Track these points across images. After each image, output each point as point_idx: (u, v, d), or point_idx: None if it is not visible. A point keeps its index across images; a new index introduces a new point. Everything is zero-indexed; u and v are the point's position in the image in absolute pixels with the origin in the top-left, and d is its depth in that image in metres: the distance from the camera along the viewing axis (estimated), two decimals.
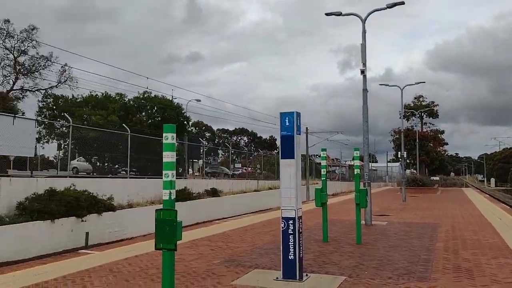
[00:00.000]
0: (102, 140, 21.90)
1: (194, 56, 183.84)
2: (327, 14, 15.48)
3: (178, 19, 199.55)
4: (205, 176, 31.55)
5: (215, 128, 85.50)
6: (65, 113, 21.28)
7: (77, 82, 28.74)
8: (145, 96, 33.03)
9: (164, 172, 4.58)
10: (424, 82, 69.56)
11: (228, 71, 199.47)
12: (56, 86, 28.38)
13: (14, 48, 26.07)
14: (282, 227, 6.55)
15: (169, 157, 4.58)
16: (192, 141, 30.99)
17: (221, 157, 54.55)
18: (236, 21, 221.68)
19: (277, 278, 6.53)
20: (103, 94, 31.69)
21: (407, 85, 30.98)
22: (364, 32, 14.62)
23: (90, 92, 32.05)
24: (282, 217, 6.56)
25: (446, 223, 14.17)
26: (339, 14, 15.23)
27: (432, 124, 60.37)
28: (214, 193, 21.40)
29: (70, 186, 13.90)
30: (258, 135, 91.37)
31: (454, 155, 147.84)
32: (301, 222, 6.70)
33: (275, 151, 70.15)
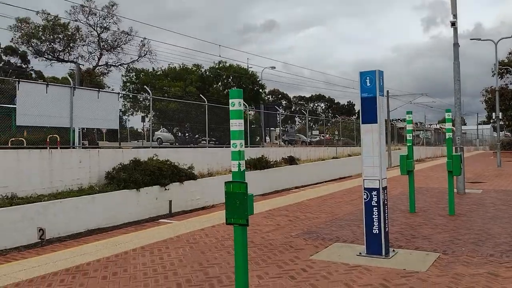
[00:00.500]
0: (182, 111, 22.41)
1: (270, 24, 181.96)
2: None
3: None
4: (282, 144, 31.32)
5: (291, 95, 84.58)
6: (145, 86, 21.94)
7: (156, 56, 29.45)
8: (221, 66, 33.13)
9: (232, 141, 4.20)
10: None
11: (304, 36, 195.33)
12: (137, 60, 29.36)
13: (97, 25, 27.22)
14: (365, 199, 5.97)
15: (236, 125, 4.18)
16: (268, 109, 30.67)
17: (298, 124, 54.08)
18: None
19: (360, 253, 6.01)
20: (180, 66, 32.29)
21: (502, 38, 28.06)
22: None
23: (169, 64, 32.86)
24: (364, 188, 5.97)
25: None
26: None
27: None
28: (291, 161, 21.07)
29: (153, 156, 14.35)
30: (335, 101, 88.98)
31: None
32: (386, 193, 6.06)
33: (354, 116, 67.92)
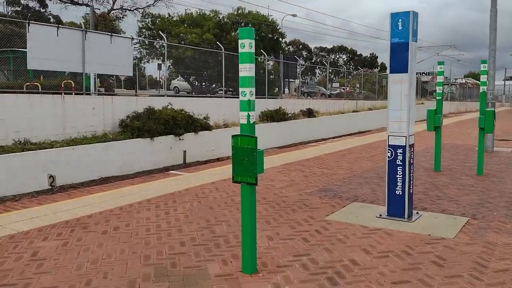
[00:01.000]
0: (199, 60, 21.69)
1: None
2: None
3: None
4: (301, 96, 30.47)
5: (312, 46, 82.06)
6: (160, 32, 21.15)
7: (172, 0, 28.36)
8: (239, 12, 31.80)
9: (240, 89, 3.65)
10: None
11: None
12: (153, 4, 28.35)
13: None
14: (389, 157, 5.42)
15: (246, 70, 3.60)
16: (288, 60, 29.61)
17: (318, 76, 52.69)
18: None
19: (380, 215, 5.54)
20: (197, 12, 31.14)
21: None
22: None
23: (186, 10, 31.72)
24: (388, 144, 5.40)
25: None
26: None
27: None
28: (310, 113, 20.39)
29: (168, 105, 13.93)
30: (357, 53, 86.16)
31: None
32: (413, 152, 5.49)
33: (376, 69, 65.83)
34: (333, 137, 19.15)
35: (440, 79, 8.91)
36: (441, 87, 8.86)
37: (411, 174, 5.44)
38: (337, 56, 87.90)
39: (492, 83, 11.86)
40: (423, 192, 6.82)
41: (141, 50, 27.49)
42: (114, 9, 28.27)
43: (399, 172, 5.35)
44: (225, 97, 20.12)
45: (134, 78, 18.21)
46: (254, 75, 3.64)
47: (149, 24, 29.91)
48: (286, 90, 33.14)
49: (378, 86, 35.78)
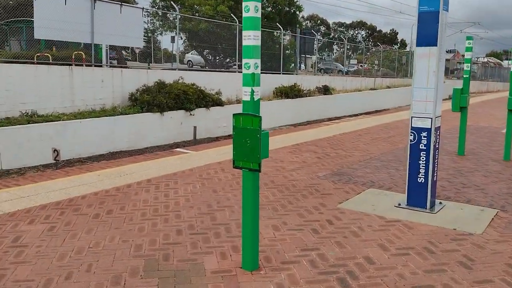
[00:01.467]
0: (213, 33, 21.00)
1: None
2: None
3: None
4: (317, 72, 29.64)
5: (330, 21, 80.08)
6: (173, 2, 20.46)
7: None
8: None
9: (243, 61, 3.13)
10: None
11: None
12: None
13: None
14: (411, 141, 4.88)
15: (251, 38, 3.08)
16: (305, 35, 28.66)
17: (335, 52, 51.43)
18: None
19: (399, 204, 5.04)
20: None
21: None
22: None
23: None
24: (411, 127, 4.85)
25: None
26: None
27: None
28: (325, 90, 19.70)
29: (179, 79, 13.47)
30: (377, 29, 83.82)
31: None
32: (439, 135, 4.94)
33: (396, 46, 63.99)
34: (350, 116, 18.50)
35: (468, 55, 8.21)
36: (469, 65, 8.17)
37: (436, 160, 4.90)
38: (356, 32, 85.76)
39: None
40: (446, 179, 6.27)
41: (155, 21, 26.82)
42: None
43: (422, 158, 4.82)
44: (239, 72, 19.53)
45: (149, 51, 17.68)
46: (259, 44, 3.11)
47: None
48: (302, 66, 32.24)
49: (397, 63, 34.63)
